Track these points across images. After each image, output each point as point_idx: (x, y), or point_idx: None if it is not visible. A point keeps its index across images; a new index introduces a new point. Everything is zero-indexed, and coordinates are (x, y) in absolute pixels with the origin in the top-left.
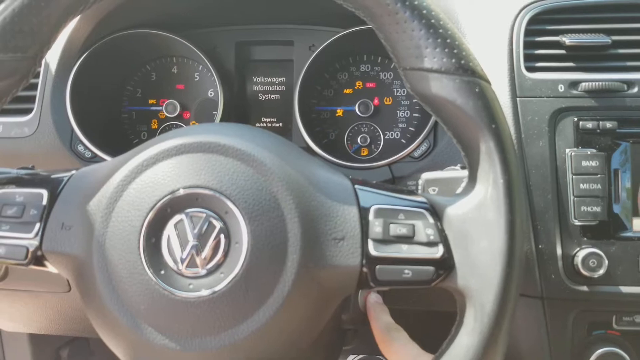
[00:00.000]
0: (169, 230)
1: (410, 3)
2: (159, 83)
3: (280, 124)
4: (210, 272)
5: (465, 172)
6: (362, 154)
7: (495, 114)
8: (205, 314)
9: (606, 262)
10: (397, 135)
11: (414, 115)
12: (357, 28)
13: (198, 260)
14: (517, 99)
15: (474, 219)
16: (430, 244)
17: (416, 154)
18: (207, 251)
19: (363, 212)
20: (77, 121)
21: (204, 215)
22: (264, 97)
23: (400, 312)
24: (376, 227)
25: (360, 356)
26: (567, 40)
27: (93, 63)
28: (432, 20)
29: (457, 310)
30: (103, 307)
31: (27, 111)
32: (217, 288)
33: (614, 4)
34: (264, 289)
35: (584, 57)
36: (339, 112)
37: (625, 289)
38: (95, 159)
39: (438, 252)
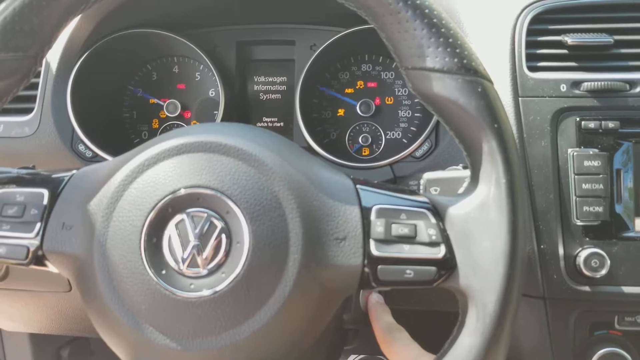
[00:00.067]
0: (170, 230)
1: (412, 2)
2: (159, 82)
3: (282, 124)
4: (211, 272)
5: (467, 172)
6: (363, 153)
7: (497, 114)
8: (207, 314)
9: (608, 262)
10: (399, 135)
11: (416, 114)
12: (359, 28)
13: (199, 260)
14: (519, 98)
15: (476, 219)
16: (432, 244)
17: (418, 153)
18: (208, 251)
19: (365, 212)
20: (78, 121)
21: (205, 215)
22: (265, 97)
23: (402, 312)
24: (378, 227)
25: (362, 356)
26: (569, 39)
27: (94, 62)
28: (434, 20)
29: (459, 310)
30: (104, 307)
31: (28, 111)
32: (218, 288)
33: (617, 3)
34: (265, 289)
35: (586, 57)
36: (340, 111)
37: (627, 289)
38: (96, 158)
39: (440, 252)
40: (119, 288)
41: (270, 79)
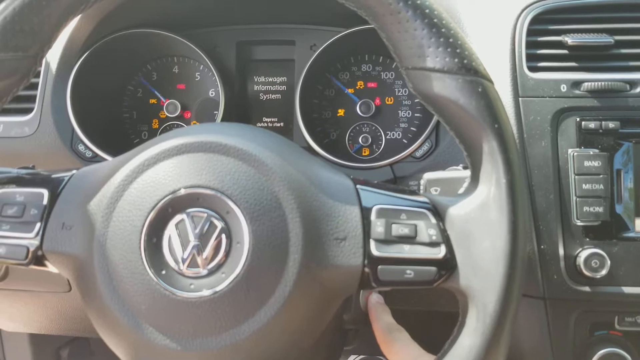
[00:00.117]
0: (170, 230)
1: (413, 2)
2: (159, 83)
3: (282, 124)
4: (211, 272)
5: (468, 172)
6: (363, 154)
7: (498, 114)
8: (207, 314)
9: (608, 262)
10: (399, 135)
11: (416, 115)
12: (359, 28)
13: (199, 260)
14: (520, 98)
15: (477, 219)
16: (433, 244)
17: (418, 154)
18: (208, 251)
19: (365, 212)
20: (78, 121)
21: (205, 215)
22: (265, 97)
23: (402, 313)
24: (378, 227)
25: (362, 356)
26: (569, 40)
27: (94, 62)
28: (435, 20)
29: (459, 310)
30: (104, 307)
31: (28, 111)
32: (218, 288)
33: (617, 3)
34: (265, 289)
35: (586, 57)
36: (340, 112)
37: (627, 290)
38: (96, 158)
39: (440, 252)
40: (119, 288)
41: (271, 79)
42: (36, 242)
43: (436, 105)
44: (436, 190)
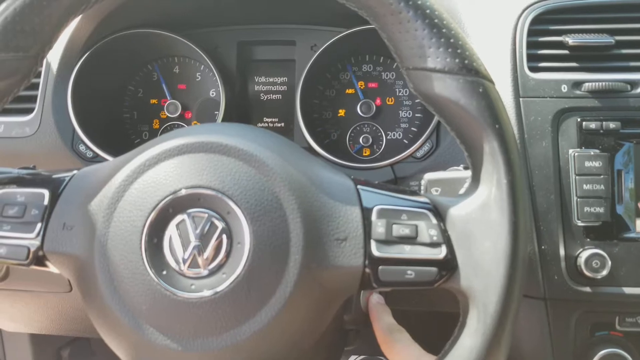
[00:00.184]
0: (171, 231)
1: (414, 2)
2: (160, 83)
3: (282, 124)
4: (212, 273)
5: (468, 173)
6: (364, 154)
7: (498, 114)
8: (207, 314)
9: (609, 263)
10: (400, 135)
11: (417, 115)
12: (360, 28)
13: (200, 261)
14: (520, 99)
15: (477, 219)
16: (433, 244)
17: (419, 154)
18: (209, 251)
19: (366, 213)
20: (79, 121)
21: (206, 215)
22: (265, 97)
23: (402, 313)
24: (379, 227)
25: (362, 357)
26: (570, 40)
27: (94, 63)
28: (436, 20)
29: (460, 311)
30: (104, 307)
31: (29, 111)
32: (219, 288)
33: (618, 4)
34: (266, 290)
35: (587, 57)
36: (341, 112)
37: (628, 290)
38: (96, 158)
39: (441, 252)
40: (120, 288)
41: (271, 80)
42: (37, 242)
43: (437, 105)
44: (437, 191)
